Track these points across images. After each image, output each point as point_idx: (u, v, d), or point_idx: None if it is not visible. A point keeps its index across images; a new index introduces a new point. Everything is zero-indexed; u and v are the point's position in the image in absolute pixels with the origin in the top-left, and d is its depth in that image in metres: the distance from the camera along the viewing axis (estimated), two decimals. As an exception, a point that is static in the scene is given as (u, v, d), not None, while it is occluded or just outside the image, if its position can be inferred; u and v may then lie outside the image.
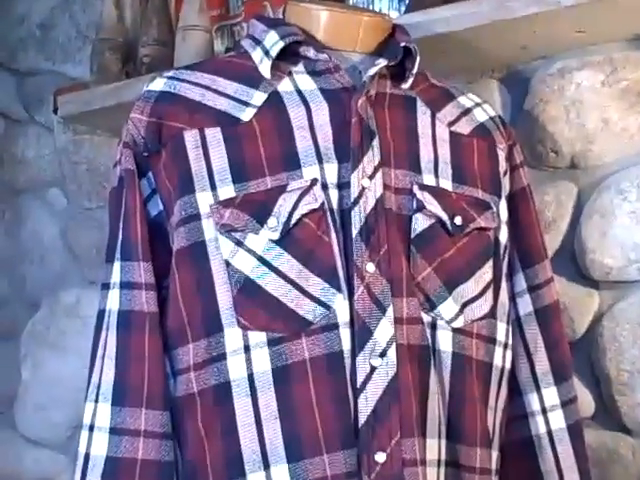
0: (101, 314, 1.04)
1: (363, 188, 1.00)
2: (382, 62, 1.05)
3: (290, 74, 1.07)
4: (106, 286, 1.03)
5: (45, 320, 1.88)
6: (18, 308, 1.93)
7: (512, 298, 1.13)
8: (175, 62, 1.61)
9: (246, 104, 1.04)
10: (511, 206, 1.13)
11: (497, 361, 1.06)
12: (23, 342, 1.90)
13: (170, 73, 1.08)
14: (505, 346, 1.08)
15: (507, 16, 1.25)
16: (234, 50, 1.17)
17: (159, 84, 1.07)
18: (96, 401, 1.00)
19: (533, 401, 1.11)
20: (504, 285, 1.10)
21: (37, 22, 1.98)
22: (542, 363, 1.11)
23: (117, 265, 1.02)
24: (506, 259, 1.12)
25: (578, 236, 1.35)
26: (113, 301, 1.02)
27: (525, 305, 1.13)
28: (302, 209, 0.98)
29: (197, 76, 1.07)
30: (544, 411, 1.10)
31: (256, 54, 1.08)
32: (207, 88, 1.06)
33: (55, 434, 1.84)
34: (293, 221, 0.97)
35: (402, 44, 1.07)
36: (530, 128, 1.37)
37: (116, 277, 1.02)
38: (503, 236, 1.11)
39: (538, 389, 1.11)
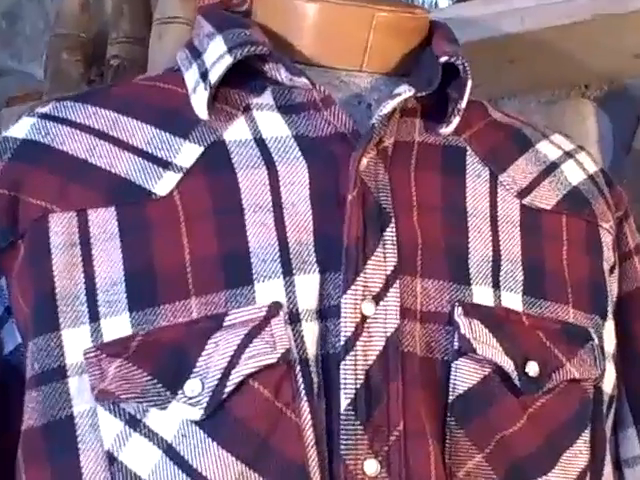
0: None
1: (364, 318, 0.59)
2: (406, 91, 0.63)
3: (248, 110, 0.64)
4: None
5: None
6: None
7: (617, 466, 0.74)
8: (149, 67, 1.30)
9: (165, 165, 0.62)
10: (619, 319, 0.73)
11: None
12: None
13: (46, 108, 0.65)
14: None
15: (615, 9, 0.95)
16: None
17: (24, 127, 0.65)
18: None
19: None
20: (608, 466, 0.69)
21: (3, 10, 1.72)
22: None
23: None
24: (611, 416, 0.72)
25: None
26: None
27: None
28: (248, 364, 0.57)
29: (89, 113, 0.65)
30: None
31: (190, 75, 0.65)
32: (102, 136, 0.63)
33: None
34: (230, 386, 0.57)
35: (442, 59, 0.65)
36: (643, 177, 1.03)
37: None
38: (608, 383, 0.71)
39: None
